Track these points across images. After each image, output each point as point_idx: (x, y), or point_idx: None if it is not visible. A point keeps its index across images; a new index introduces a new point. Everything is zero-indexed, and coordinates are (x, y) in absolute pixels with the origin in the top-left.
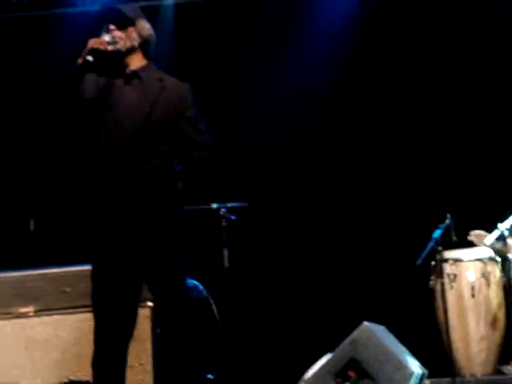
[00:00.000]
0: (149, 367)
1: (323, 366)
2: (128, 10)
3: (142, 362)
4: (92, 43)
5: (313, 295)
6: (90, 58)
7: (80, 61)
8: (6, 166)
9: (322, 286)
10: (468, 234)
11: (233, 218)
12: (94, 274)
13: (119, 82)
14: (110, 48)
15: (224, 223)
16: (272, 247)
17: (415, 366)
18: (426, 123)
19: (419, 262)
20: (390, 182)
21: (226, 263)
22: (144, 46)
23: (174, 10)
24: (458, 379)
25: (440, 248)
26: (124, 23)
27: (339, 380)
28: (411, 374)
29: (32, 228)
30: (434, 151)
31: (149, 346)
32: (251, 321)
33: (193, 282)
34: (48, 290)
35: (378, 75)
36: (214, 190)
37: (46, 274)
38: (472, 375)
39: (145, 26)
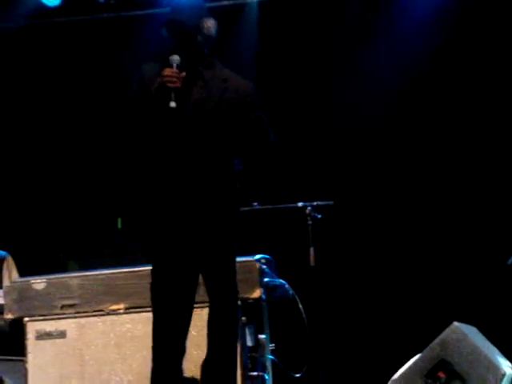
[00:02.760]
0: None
1: (412, 367)
2: (191, 18)
3: None
4: (168, 81)
5: (401, 294)
6: (173, 104)
7: (153, 90)
8: (93, 166)
9: (411, 284)
10: None
11: (318, 216)
12: (152, 270)
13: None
14: (179, 85)
15: (310, 222)
16: (358, 245)
17: (507, 367)
18: None
19: (511, 261)
20: (480, 181)
21: (312, 262)
22: (210, 43)
23: (258, 8)
24: None
25: None
26: (191, 36)
27: (429, 381)
28: (503, 374)
29: (120, 226)
30: None
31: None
32: (338, 320)
33: (279, 280)
34: (138, 288)
35: (468, 71)
36: (300, 189)
37: (136, 271)
38: None
39: (209, 26)
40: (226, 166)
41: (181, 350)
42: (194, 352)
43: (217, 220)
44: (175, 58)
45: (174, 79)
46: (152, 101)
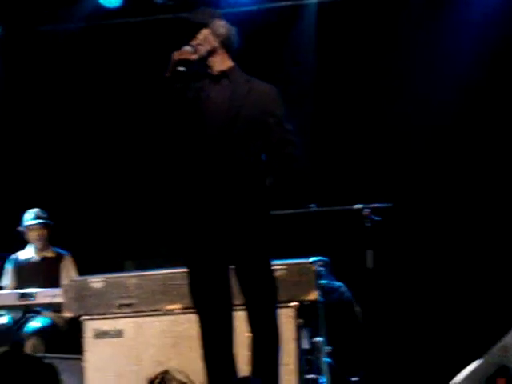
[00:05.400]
0: (293, 367)
1: (471, 373)
2: (196, 15)
3: (286, 363)
4: (177, 55)
5: (460, 297)
6: (182, 68)
7: (168, 74)
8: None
9: (472, 288)
10: None
11: (377, 218)
12: (188, 272)
13: (207, 82)
14: (194, 57)
15: (368, 224)
16: (416, 248)
17: None
18: None
19: None
20: None
21: (370, 264)
22: (225, 44)
23: (316, 9)
24: None
25: None
26: (196, 29)
27: None
28: None
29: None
30: None
31: (293, 346)
32: (396, 323)
33: (336, 283)
34: None
35: None
36: (358, 191)
37: None
38: None
39: (219, 25)
40: (254, 160)
41: (228, 350)
42: (247, 353)
43: (244, 219)
44: (186, 48)
45: (184, 52)
46: (170, 85)
